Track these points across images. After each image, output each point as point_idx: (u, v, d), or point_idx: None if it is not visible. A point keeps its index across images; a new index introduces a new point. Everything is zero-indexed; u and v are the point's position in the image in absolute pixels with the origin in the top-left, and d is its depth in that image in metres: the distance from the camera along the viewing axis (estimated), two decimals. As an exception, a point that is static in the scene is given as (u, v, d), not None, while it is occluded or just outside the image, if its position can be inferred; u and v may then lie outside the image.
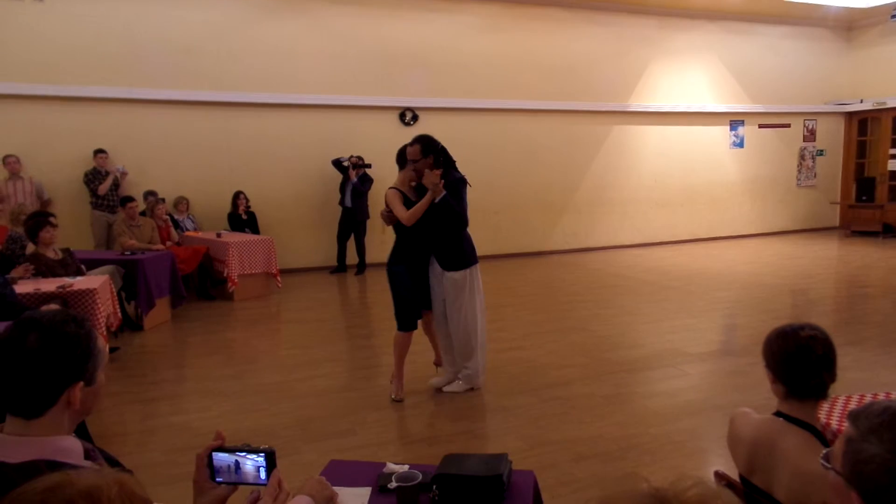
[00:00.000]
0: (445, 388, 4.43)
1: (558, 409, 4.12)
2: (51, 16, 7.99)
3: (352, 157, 8.92)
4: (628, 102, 11.28)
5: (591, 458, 3.44)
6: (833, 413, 2.55)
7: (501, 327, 6.12)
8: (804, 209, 13.17)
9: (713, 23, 11.72)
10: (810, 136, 13.08)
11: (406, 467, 2.02)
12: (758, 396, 4.01)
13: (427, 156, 4.09)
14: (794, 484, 1.63)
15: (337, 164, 8.94)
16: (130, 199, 7.34)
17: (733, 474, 1.93)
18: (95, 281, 5.08)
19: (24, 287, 4.74)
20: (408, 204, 4.16)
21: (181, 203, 8.45)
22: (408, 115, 9.88)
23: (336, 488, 1.75)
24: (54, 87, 8.02)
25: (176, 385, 4.88)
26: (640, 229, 11.67)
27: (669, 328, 6.04)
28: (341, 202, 9.11)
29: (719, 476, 1.96)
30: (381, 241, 9.07)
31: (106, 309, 5.03)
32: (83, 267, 5.60)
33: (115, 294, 5.51)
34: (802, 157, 13.07)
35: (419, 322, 4.41)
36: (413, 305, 4.29)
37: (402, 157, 4.30)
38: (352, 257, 9.31)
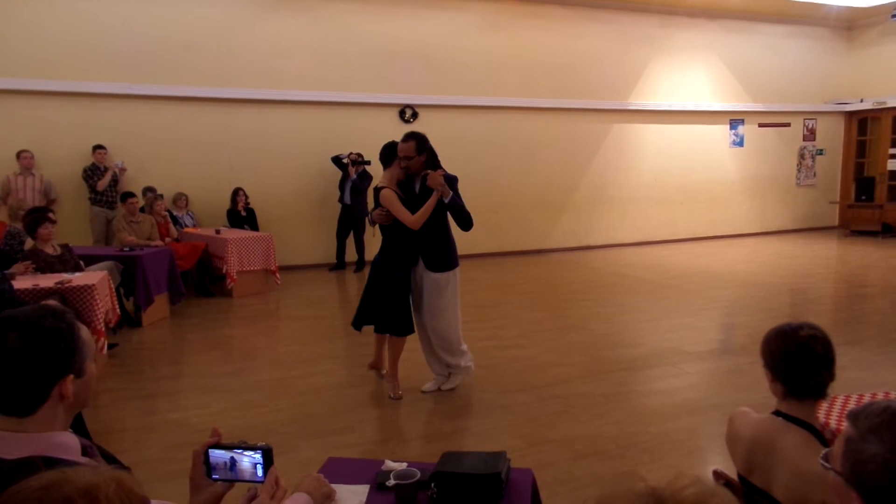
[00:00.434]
0: (444, 387, 4.42)
1: (557, 407, 4.12)
2: (50, 12, 7.97)
3: (351, 153, 8.90)
4: (628, 101, 11.27)
5: (589, 456, 3.44)
6: (832, 413, 2.55)
7: (501, 325, 6.12)
8: (803, 208, 13.17)
9: (714, 21, 11.71)
10: (810, 135, 13.07)
11: (404, 465, 2.01)
12: (756, 395, 4.00)
13: (421, 153, 4.03)
14: (793, 483, 1.63)
15: (336, 160, 8.92)
16: (131, 194, 7.33)
17: (732, 473, 1.93)
18: (94, 277, 5.07)
19: (22, 283, 4.74)
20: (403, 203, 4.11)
21: (180, 199, 8.44)
22: (407, 113, 9.87)
23: (334, 486, 1.74)
24: (54, 83, 8.00)
25: (174, 381, 4.88)
26: (639, 228, 11.66)
27: (668, 327, 6.04)
28: (341, 199, 9.10)
29: (718, 475, 1.96)
30: (379, 239, 9.02)
31: (104, 305, 5.02)
32: (82, 263, 5.58)
33: (113, 290, 5.51)
34: (802, 156, 13.07)
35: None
36: (409, 310, 4.27)
37: (387, 155, 4.20)
38: (351, 254, 9.30)
